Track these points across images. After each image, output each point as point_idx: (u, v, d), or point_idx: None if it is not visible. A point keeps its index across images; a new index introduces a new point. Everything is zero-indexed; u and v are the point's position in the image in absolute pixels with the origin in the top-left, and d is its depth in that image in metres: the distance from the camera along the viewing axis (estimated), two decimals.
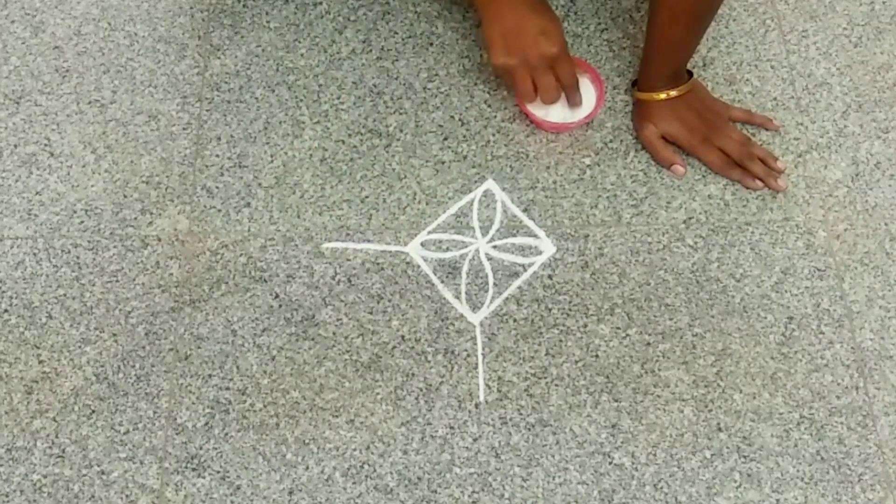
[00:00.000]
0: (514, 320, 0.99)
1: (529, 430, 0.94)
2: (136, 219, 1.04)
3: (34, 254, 1.02)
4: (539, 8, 0.98)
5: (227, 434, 0.94)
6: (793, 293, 1.00)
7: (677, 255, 1.02)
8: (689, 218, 1.04)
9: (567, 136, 1.08)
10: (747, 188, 1.04)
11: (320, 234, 1.03)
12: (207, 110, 1.10)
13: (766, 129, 1.08)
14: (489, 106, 1.10)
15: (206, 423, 0.94)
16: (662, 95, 1.03)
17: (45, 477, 0.92)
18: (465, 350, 0.97)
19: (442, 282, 1.00)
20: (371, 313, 0.99)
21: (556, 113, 1.05)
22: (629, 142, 1.08)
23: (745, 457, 0.92)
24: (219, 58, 1.14)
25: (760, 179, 1.04)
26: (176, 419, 0.94)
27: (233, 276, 1.01)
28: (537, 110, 1.05)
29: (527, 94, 1.00)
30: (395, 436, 0.94)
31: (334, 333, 0.98)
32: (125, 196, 1.05)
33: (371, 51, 1.14)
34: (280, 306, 0.99)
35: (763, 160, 1.05)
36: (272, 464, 0.92)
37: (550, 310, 0.99)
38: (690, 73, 1.05)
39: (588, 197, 1.05)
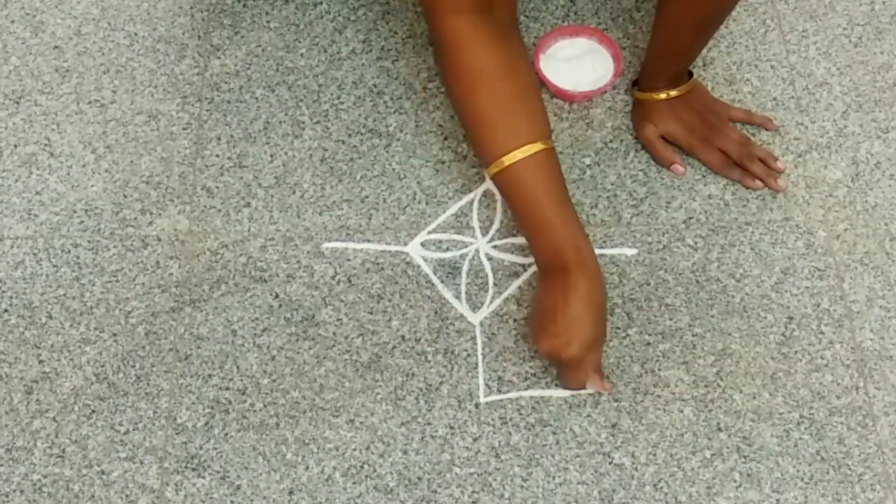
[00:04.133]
0: (514, 320, 0.99)
1: (529, 430, 0.94)
2: (136, 219, 1.04)
3: (34, 254, 1.02)
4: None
5: (227, 434, 0.94)
6: (793, 293, 1.00)
7: (677, 255, 1.02)
8: (689, 218, 1.04)
9: (567, 136, 1.08)
10: (747, 188, 1.04)
11: (320, 234, 1.03)
12: (207, 110, 1.10)
13: (766, 129, 1.08)
14: None
15: (206, 423, 0.94)
16: (662, 95, 1.03)
17: (45, 477, 0.92)
18: (465, 350, 0.97)
19: (442, 282, 1.00)
20: (371, 313, 0.99)
21: (570, 81, 1.08)
22: (629, 142, 1.08)
23: (745, 457, 0.92)
24: (219, 58, 1.14)
25: (760, 179, 1.04)
26: (176, 419, 0.94)
27: (233, 276, 1.01)
28: (552, 75, 1.08)
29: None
30: (395, 436, 0.94)
31: (334, 333, 0.98)
32: (125, 196, 1.05)
33: (371, 51, 1.14)
34: (280, 306, 0.99)
35: (763, 160, 1.05)
36: (272, 464, 0.92)
37: None
38: (691, 74, 1.05)
39: (588, 197, 1.05)
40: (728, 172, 1.04)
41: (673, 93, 1.03)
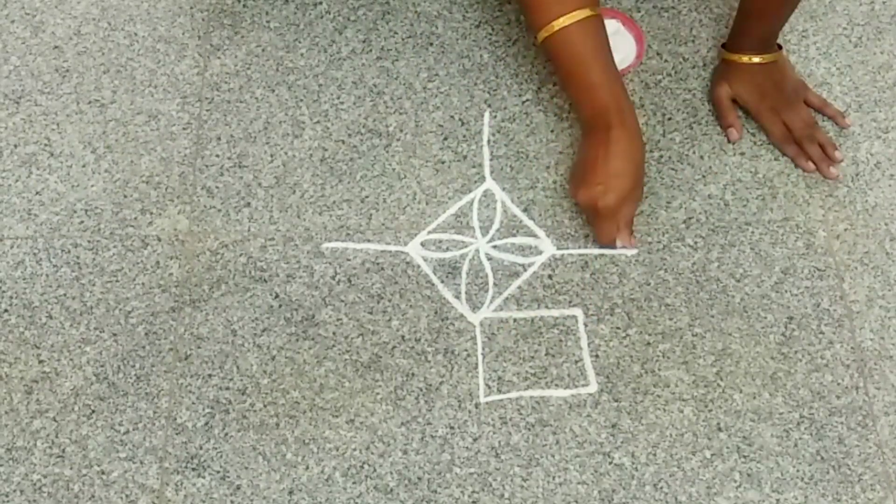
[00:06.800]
0: (515, 320, 0.99)
1: (529, 430, 0.94)
2: (136, 219, 1.04)
3: (34, 254, 1.02)
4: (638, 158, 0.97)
5: (227, 434, 0.94)
6: (793, 293, 1.00)
7: (677, 255, 1.02)
8: (689, 218, 1.04)
9: (567, 136, 1.08)
10: (797, 167, 1.04)
11: (320, 234, 1.03)
12: (207, 110, 1.10)
13: (837, 125, 1.08)
14: (489, 105, 1.10)
15: (206, 423, 0.94)
16: (745, 59, 1.04)
17: (45, 477, 0.92)
18: (465, 350, 0.97)
19: (442, 282, 1.00)
20: (371, 313, 0.99)
21: None
22: None
23: (745, 457, 0.92)
24: (219, 58, 1.14)
25: (814, 163, 1.04)
26: (176, 419, 0.94)
27: (233, 276, 1.01)
28: None
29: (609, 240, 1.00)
30: (395, 436, 0.94)
31: (334, 333, 0.98)
32: (125, 196, 1.05)
33: (371, 51, 1.14)
34: (280, 306, 0.99)
35: (822, 146, 1.05)
36: (272, 464, 0.92)
37: (550, 310, 0.99)
38: (780, 46, 1.05)
39: None
40: (784, 146, 1.05)
41: (756, 59, 1.04)
